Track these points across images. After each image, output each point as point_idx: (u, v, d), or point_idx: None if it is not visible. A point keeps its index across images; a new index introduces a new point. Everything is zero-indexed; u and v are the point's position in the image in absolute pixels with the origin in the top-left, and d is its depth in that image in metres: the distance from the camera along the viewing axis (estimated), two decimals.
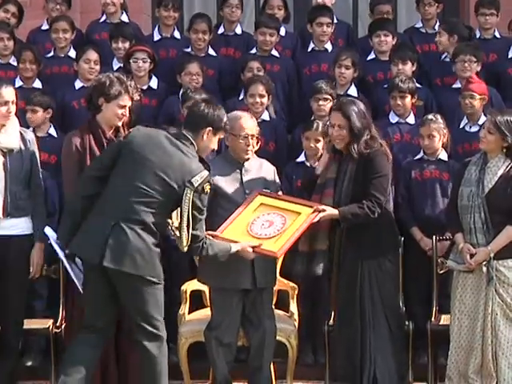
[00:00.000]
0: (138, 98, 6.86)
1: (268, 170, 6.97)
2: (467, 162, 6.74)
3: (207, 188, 5.91)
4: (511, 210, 6.53)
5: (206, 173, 5.89)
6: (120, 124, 6.73)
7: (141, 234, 5.84)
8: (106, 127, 6.68)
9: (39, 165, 6.95)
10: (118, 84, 6.64)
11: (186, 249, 5.93)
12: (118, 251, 5.78)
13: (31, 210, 6.84)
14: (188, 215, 5.82)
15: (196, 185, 5.79)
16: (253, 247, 6.24)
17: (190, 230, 5.83)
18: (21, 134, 6.85)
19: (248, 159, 6.78)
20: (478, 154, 6.71)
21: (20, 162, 6.78)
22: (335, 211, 6.48)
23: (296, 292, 7.13)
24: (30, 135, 6.95)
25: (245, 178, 6.77)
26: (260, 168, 6.92)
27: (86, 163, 6.55)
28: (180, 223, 5.86)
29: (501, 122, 6.48)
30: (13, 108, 6.71)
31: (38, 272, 6.86)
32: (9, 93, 6.69)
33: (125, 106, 6.68)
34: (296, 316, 7.06)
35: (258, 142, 6.82)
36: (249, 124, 6.78)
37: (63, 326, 6.99)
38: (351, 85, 8.43)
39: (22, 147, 6.78)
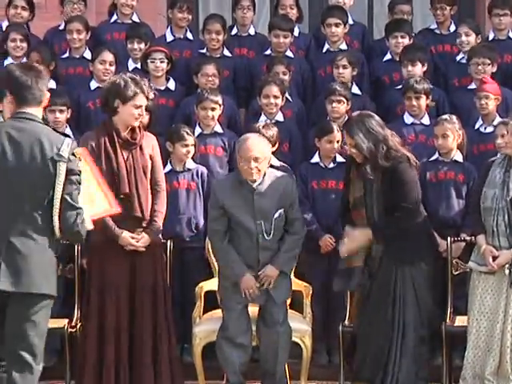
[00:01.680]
0: (153, 96, 6.96)
1: (284, 185, 6.87)
2: (490, 162, 6.71)
3: (78, 153, 5.53)
4: None
5: (67, 139, 5.56)
6: (137, 124, 6.78)
7: (34, 245, 5.37)
8: (122, 128, 6.74)
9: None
10: (134, 85, 6.72)
11: (57, 230, 5.36)
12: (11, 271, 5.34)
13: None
14: (62, 188, 5.37)
15: (66, 155, 5.40)
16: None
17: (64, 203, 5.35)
18: None
19: (254, 180, 6.74)
20: (501, 155, 6.71)
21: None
22: (367, 233, 6.60)
23: (310, 292, 7.17)
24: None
25: (256, 202, 6.75)
26: (275, 185, 6.82)
27: (101, 165, 6.56)
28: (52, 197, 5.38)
29: None
30: None
31: None
32: None
33: (141, 105, 6.75)
34: (310, 316, 7.11)
35: (269, 164, 6.84)
36: (251, 147, 6.72)
37: (78, 326, 7.03)
38: (352, 84, 8.45)
39: None
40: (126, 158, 6.84)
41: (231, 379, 6.80)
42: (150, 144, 7.02)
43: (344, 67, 8.40)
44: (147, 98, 6.86)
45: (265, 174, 6.80)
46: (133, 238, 6.78)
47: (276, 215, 6.80)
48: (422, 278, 6.74)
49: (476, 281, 6.67)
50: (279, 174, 6.99)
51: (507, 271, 6.46)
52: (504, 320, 6.54)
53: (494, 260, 6.42)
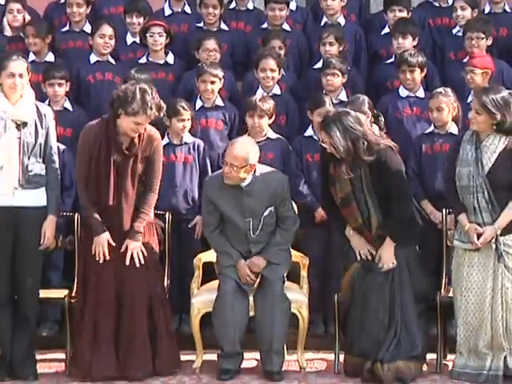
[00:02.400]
0: (157, 115, 6.83)
1: (275, 184, 6.93)
2: (459, 139, 6.78)
3: None
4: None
5: None
6: (135, 135, 6.76)
7: None
8: (121, 132, 6.75)
9: (55, 139, 7.00)
10: (140, 102, 6.63)
11: None
12: None
13: (45, 183, 6.87)
14: None
15: None
16: None
17: None
18: (36, 107, 6.89)
19: (244, 179, 6.78)
20: (468, 132, 6.75)
21: (34, 135, 6.81)
22: (391, 245, 6.66)
23: (307, 263, 7.23)
24: (46, 109, 7.00)
25: (243, 199, 6.86)
26: (266, 184, 6.89)
27: (97, 160, 6.72)
28: None
29: (486, 101, 6.53)
30: (21, 81, 6.71)
31: (51, 244, 6.90)
32: (16, 65, 6.72)
33: (140, 123, 6.71)
34: (307, 287, 7.16)
35: (251, 169, 6.80)
36: (233, 152, 6.75)
37: (78, 296, 7.01)
38: (346, 59, 8.41)
39: (37, 121, 6.81)
40: (117, 164, 6.80)
41: (226, 348, 6.82)
42: (149, 147, 6.94)
43: (330, 44, 8.42)
44: (150, 118, 6.79)
45: (255, 172, 6.84)
46: (110, 245, 6.79)
47: (266, 213, 6.93)
48: (414, 258, 6.85)
49: (461, 258, 6.73)
50: (272, 172, 7.04)
51: (494, 246, 6.52)
52: (493, 294, 6.59)
53: (478, 237, 6.48)
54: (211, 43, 8.43)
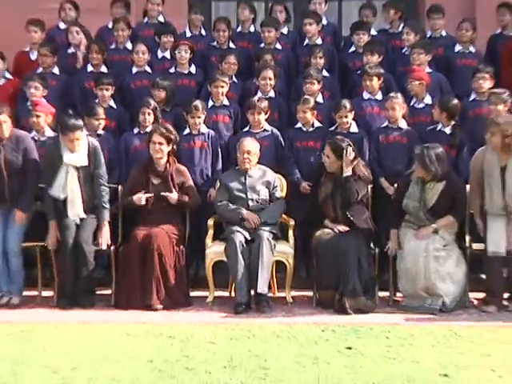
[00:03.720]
0: (165, 131, 7.22)
1: (269, 176, 7.32)
2: (408, 177, 7.05)
3: None
4: (448, 212, 6.86)
5: None
6: (158, 156, 7.21)
7: None
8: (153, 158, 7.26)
9: (103, 165, 7.14)
10: (158, 134, 7.18)
11: None
12: None
13: (98, 202, 7.08)
14: None
15: None
16: None
17: None
18: (88, 144, 7.05)
19: (248, 169, 7.22)
20: (414, 176, 6.97)
21: (89, 173, 7.03)
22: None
23: (293, 225, 7.30)
24: (95, 143, 7.14)
25: (248, 180, 7.22)
26: (263, 175, 7.31)
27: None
28: None
29: (426, 156, 6.79)
30: (78, 141, 6.88)
31: (107, 242, 7.07)
32: (75, 133, 6.85)
33: (156, 142, 7.17)
34: (293, 242, 7.21)
35: (257, 157, 7.25)
36: (245, 145, 7.25)
37: (121, 248, 7.17)
38: (323, 69, 8.40)
39: (91, 157, 7.02)
40: (155, 186, 7.22)
41: (238, 282, 6.90)
42: (179, 176, 7.32)
43: (320, 58, 8.42)
44: (161, 135, 7.18)
45: (256, 165, 7.28)
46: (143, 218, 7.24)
47: (261, 191, 7.23)
48: (368, 232, 7.06)
49: (404, 234, 6.98)
50: (267, 168, 7.38)
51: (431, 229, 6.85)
52: (426, 254, 6.74)
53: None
54: (232, 58, 8.44)
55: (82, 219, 7.00)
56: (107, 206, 7.10)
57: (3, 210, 7.10)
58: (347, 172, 7.00)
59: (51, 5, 9.24)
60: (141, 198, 7.12)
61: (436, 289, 6.76)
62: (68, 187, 6.95)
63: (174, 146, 7.37)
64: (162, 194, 7.14)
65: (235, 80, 8.51)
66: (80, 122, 7.00)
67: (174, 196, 7.16)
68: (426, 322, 6.49)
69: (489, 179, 6.87)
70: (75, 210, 6.96)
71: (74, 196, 6.96)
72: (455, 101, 7.68)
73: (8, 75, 8.63)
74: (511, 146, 6.79)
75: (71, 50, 9.00)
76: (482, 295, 7.09)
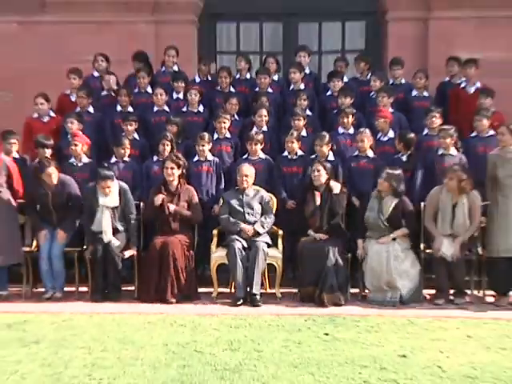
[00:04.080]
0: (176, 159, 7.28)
1: (262, 195, 7.32)
2: (370, 194, 7.12)
3: None
4: (401, 224, 6.92)
5: None
6: (170, 179, 7.25)
7: None
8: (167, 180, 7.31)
9: (132, 203, 7.26)
10: (170, 161, 7.23)
11: None
12: None
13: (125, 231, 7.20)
14: None
15: None
16: None
17: None
18: (120, 188, 7.19)
19: (245, 188, 7.23)
20: (374, 192, 7.06)
21: (121, 209, 7.16)
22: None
23: (282, 234, 7.28)
24: (125, 186, 7.25)
25: (245, 198, 7.22)
26: (257, 193, 7.31)
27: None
28: None
29: (391, 175, 6.95)
30: (110, 188, 7.05)
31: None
32: (107, 182, 7.02)
33: (168, 167, 7.22)
34: (281, 249, 7.20)
35: (253, 180, 7.30)
36: (244, 169, 7.27)
37: (142, 253, 7.20)
38: (307, 109, 8.40)
39: (121, 198, 7.16)
40: (169, 202, 7.20)
41: (236, 282, 6.90)
42: (187, 194, 7.31)
43: (304, 100, 8.41)
44: (173, 162, 7.23)
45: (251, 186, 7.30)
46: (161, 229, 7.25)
47: (256, 206, 7.21)
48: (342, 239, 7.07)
49: (368, 241, 7.01)
50: (261, 189, 7.37)
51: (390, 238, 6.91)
52: (387, 255, 6.78)
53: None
54: (234, 100, 8.45)
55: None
56: (134, 235, 7.22)
57: (50, 229, 7.23)
58: (336, 189, 7.12)
59: (87, 57, 9.22)
60: (159, 197, 7.17)
61: (395, 283, 6.78)
62: (102, 223, 7.08)
63: (184, 171, 7.38)
64: (167, 204, 7.19)
65: (236, 117, 8.49)
66: (111, 173, 7.18)
67: (171, 207, 7.16)
68: (389, 312, 6.49)
69: (442, 213, 6.95)
70: (107, 237, 7.04)
71: (106, 229, 7.06)
72: (412, 134, 7.71)
73: (52, 114, 8.63)
74: (464, 188, 6.86)
75: (103, 93, 9.02)
76: (433, 291, 7.10)
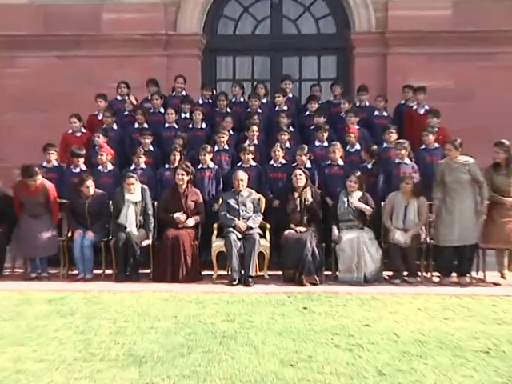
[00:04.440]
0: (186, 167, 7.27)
1: (254, 196, 7.27)
2: (340, 192, 7.12)
3: None
4: (364, 215, 6.97)
5: None
6: (180, 184, 7.23)
7: None
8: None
9: (150, 200, 7.22)
10: (181, 169, 7.20)
11: None
12: None
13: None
14: None
15: None
16: None
17: None
18: (141, 188, 7.19)
19: (240, 190, 7.21)
20: (344, 189, 7.08)
21: (142, 205, 7.12)
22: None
23: (269, 227, 7.28)
24: (145, 187, 7.27)
25: (240, 198, 7.17)
26: (250, 194, 7.25)
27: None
28: None
29: (357, 177, 7.02)
30: (134, 186, 7.06)
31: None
32: (131, 180, 7.05)
33: (179, 173, 7.17)
34: (269, 238, 7.19)
35: (246, 183, 7.24)
36: (239, 175, 7.24)
37: (157, 242, 7.16)
38: (289, 126, 8.31)
39: (143, 195, 7.17)
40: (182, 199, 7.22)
41: (232, 267, 6.86)
42: (194, 196, 7.30)
43: (283, 118, 8.33)
44: (183, 170, 7.22)
45: (245, 188, 7.26)
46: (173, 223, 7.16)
47: (249, 205, 7.16)
48: (318, 228, 7.06)
49: (341, 231, 6.98)
50: (253, 191, 7.31)
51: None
52: (358, 240, 6.79)
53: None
54: (229, 119, 8.40)
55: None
56: (151, 229, 7.20)
57: (83, 229, 7.23)
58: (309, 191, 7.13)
59: (111, 84, 9.19)
60: (179, 217, 7.14)
61: (363, 263, 6.78)
62: (127, 215, 7.08)
63: (191, 176, 7.38)
64: (179, 217, 7.17)
65: (232, 133, 8.43)
66: (133, 175, 7.21)
67: (184, 218, 7.17)
68: (355, 290, 6.50)
69: (397, 212, 7.00)
70: (132, 229, 7.05)
71: (131, 221, 7.08)
72: (375, 146, 7.73)
73: (83, 130, 8.60)
74: (416, 191, 6.94)
75: (125, 113, 8.97)
76: (390, 273, 7.11)
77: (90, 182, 7.25)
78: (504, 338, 4.79)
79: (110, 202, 7.33)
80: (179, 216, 7.11)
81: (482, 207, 6.82)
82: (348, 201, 7.10)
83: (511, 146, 6.96)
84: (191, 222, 7.18)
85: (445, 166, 7.00)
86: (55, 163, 7.93)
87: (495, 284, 6.89)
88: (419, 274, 7.12)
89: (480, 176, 6.84)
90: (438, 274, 7.13)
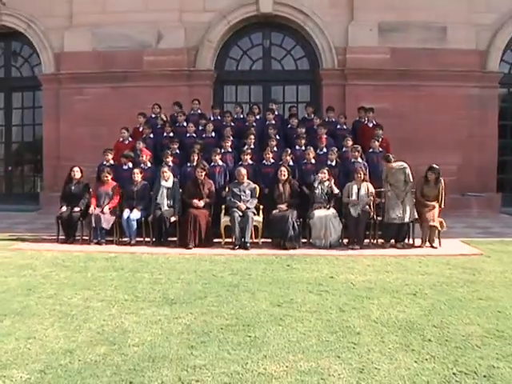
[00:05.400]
0: (204, 166, 7.09)
1: (251, 185, 7.08)
2: (313, 183, 6.90)
3: None
4: (332, 197, 6.73)
5: None
6: (199, 176, 7.00)
7: None
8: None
9: (178, 188, 7.05)
10: (200, 168, 7.06)
11: None
12: None
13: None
14: None
15: None
16: None
17: None
18: (173, 177, 7.08)
19: (242, 182, 7.00)
20: (319, 179, 6.81)
21: (173, 190, 7.00)
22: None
23: (262, 207, 7.10)
24: (176, 180, 7.09)
25: (241, 187, 6.98)
26: (248, 184, 7.06)
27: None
28: None
29: (328, 171, 6.87)
30: (167, 174, 6.92)
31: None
32: (166, 170, 6.98)
33: (199, 170, 6.99)
34: (262, 216, 7.06)
35: (247, 175, 7.04)
36: (240, 170, 7.05)
37: (182, 218, 6.95)
38: (276, 135, 8.05)
39: (173, 184, 7.02)
40: (201, 187, 7.03)
41: (235, 235, 6.78)
42: (208, 184, 7.10)
43: (271, 129, 8.18)
44: (201, 168, 7.05)
45: (246, 179, 7.05)
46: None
47: (247, 192, 6.99)
48: (296, 207, 6.87)
49: (314, 209, 6.81)
50: (251, 183, 7.12)
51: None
52: (326, 216, 6.66)
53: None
54: (228, 129, 8.24)
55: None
56: (177, 207, 7.04)
57: (131, 207, 7.12)
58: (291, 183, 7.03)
59: (149, 106, 9.10)
60: (196, 202, 7.01)
61: (328, 233, 6.72)
62: (162, 197, 7.00)
63: (207, 171, 7.30)
64: (196, 202, 7.01)
65: (234, 140, 8.21)
66: (166, 167, 7.14)
67: (200, 204, 7.00)
68: (324, 252, 6.45)
69: (352, 194, 6.91)
70: (164, 207, 6.97)
71: (163, 202, 7.00)
72: (336, 149, 7.66)
73: (130, 139, 8.50)
74: (365, 179, 6.92)
75: (158, 126, 8.80)
76: (347, 240, 6.97)
77: (137, 170, 7.27)
78: (426, 285, 4.83)
79: (151, 192, 7.26)
80: (196, 201, 7.04)
81: (409, 188, 6.89)
82: (321, 188, 7.01)
83: (440, 168, 6.93)
84: (202, 203, 7.07)
85: (387, 172, 7.02)
86: (111, 162, 7.83)
87: (420, 247, 6.84)
88: (368, 241, 7.07)
89: (410, 177, 6.89)
90: (382, 240, 7.09)
